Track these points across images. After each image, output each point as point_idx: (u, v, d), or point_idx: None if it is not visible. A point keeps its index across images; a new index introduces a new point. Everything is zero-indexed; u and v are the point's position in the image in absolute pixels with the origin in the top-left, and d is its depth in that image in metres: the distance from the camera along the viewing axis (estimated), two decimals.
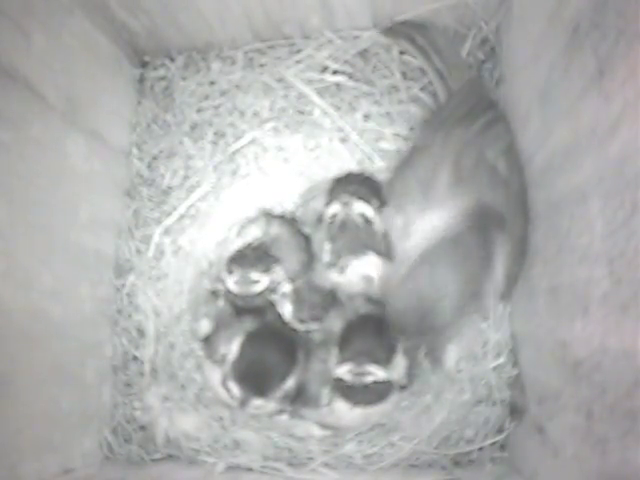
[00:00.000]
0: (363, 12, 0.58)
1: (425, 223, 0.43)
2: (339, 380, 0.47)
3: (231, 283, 0.53)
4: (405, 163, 0.50)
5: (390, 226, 0.47)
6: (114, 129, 0.61)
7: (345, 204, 0.50)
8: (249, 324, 0.52)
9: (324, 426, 0.53)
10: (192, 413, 0.57)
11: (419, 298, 0.40)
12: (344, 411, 0.48)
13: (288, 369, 0.49)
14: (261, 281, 0.52)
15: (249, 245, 0.56)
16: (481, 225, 0.41)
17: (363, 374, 0.45)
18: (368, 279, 0.50)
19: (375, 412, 0.49)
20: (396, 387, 0.48)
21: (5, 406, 0.43)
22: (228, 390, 0.49)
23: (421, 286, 0.40)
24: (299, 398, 0.51)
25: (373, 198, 0.50)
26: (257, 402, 0.48)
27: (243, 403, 0.48)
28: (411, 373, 0.50)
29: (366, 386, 0.46)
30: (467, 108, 0.50)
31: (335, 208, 0.50)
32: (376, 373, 0.45)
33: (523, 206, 0.47)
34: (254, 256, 0.54)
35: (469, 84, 0.54)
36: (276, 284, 0.53)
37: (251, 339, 0.49)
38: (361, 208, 0.50)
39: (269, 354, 0.49)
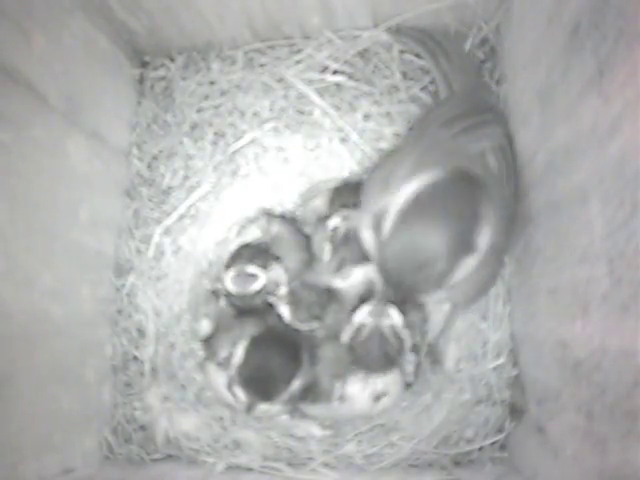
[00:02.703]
0: (363, 12, 0.58)
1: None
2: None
3: (229, 282, 0.53)
4: (375, 165, 0.50)
5: (360, 226, 0.48)
6: (114, 129, 0.61)
7: (345, 218, 0.52)
8: (252, 328, 0.52)
9: (333, 422, 0.54)
10: (192, 413, 0.57)
11: (410, 251, 0.39)
12: (356, 397, 0.48)
13: (293, 372, 0.49)
14: (259, 277, 0.52)
15: (248, 244, 0.56)
16: (462, 186, 0.41)
17: None
18: (370, 283, 0.52)
19: (383, 391, 0.50)
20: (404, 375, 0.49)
21: (5, 406, 0.43)
22: (234, 395, 0.49)
23: (411, 240, 0.39)
24: (308, 396, 0.51)
25: None
26: (263, 407, 0.48)
27: (249, 408, 0.48)
28: (417, 371, 0.51)
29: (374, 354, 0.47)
30: (458, 111, 0.49)
31: (336, 222, 0.52)
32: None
33: (514, 196, 0.48)
34: (252, 252, 0.54)
35: (469, 88, 0.53)
36: (275, 284, 0.53)
37: (255, 344, 0.49)
38: None
39: (274, 358, 0.49)
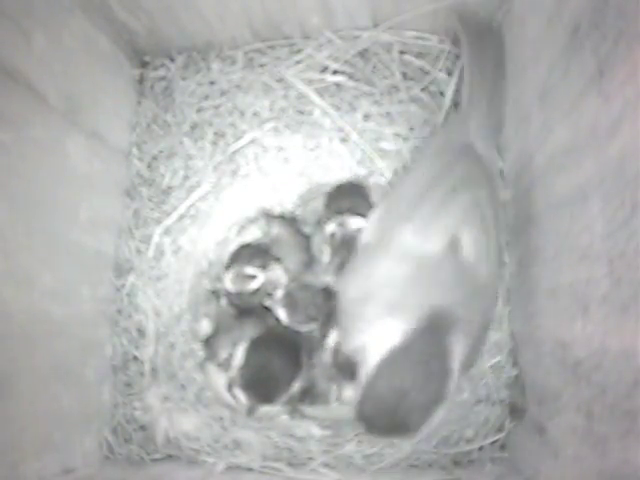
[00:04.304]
0: (363, 12, 0.58)
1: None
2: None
3: (228, 281, 0.53)
4: (353, 263, 0.49)
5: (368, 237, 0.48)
6: (114, 129, 0.61)
7: (341, 224, 0.53)
8: (251, 329, 0.52)
9: (333, 423, 0.54)
10: (192, 413, 0.57)
11: (387, 399, 0.40)
12: (353, 399, 0.49)
13: (293, 373, 0.49)
14: (257, 277, 0.52)
15: (248, 244, 0.56)
16: (435, 333, 0.41)
17: None
18: None
19: None
20: None
21: (6, 406, 0.43)
22: (234, 397, 0.49)
23: (384, 393, 0.40)
24: (307, 397, 0.51)
25: (366, 209, 0.52)
26: (264, 409, 0.49)
27: (250, 411, 0.48)
28: None
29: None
30: (429, 183, 0.48)
31: (332, 227, 0.53)
32: None
33: (488, 298, 0.46)
34: (251, 253, 0.54)
35: (485, 104, 0.52)
36: (274, 285, 0.53)
37: (255, 346, 0.49)
38: (356, 224, 0.52)
39: (274, 360, 0.49)
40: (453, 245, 0.44)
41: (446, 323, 0.41)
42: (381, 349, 0.41)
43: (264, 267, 0.53)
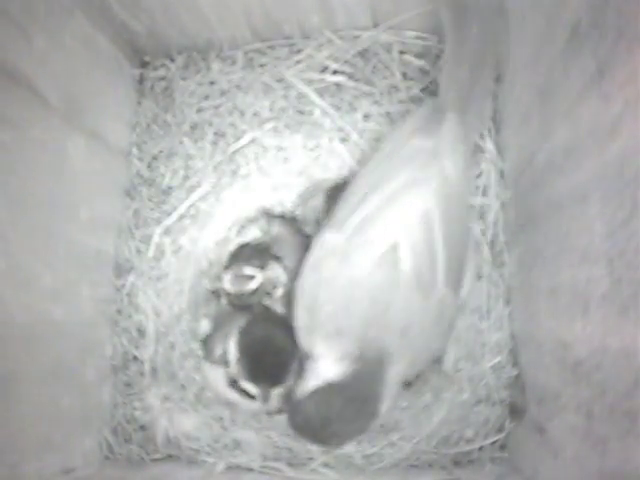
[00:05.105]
0: (363, 12, 0.58)
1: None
2: None
3: (226, 282, 0.53)
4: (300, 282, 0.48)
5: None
6: (114, 129, 0.61)
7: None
8: (239, 320, 0.51)
9: None
10: (192, 413, 0.57)
11: (312, 420, 0.42)
12: None
13: (292, 346, 0.47)
14: (256, 277, 0.52)
15: (247, 244, 0.56)
16: (369, 368, 0.42)
17: None
18: None
19: None
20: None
21: (6, 406, 0.43)
22: (243, 392, 0.48)
23: (311, 415, 0.42)
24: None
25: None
26: (277, 390, 0.48)
27: (265, 398, 0.47)
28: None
29: None
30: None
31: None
32: None
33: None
34: (250, 253, 0.54)
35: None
36: (273, 284, 0.53)
37: (245, 333, 0.49)
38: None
39: (270, 340, 0.48)
40: (390, 255, 0.42)
41: (383, 359, 0.42)
42: (319, 375, 0.42)
43: (263, 267, 0.53)
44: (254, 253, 0.54)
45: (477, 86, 0.47)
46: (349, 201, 0.46)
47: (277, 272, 0.54)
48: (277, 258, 0.54)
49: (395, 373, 0.43)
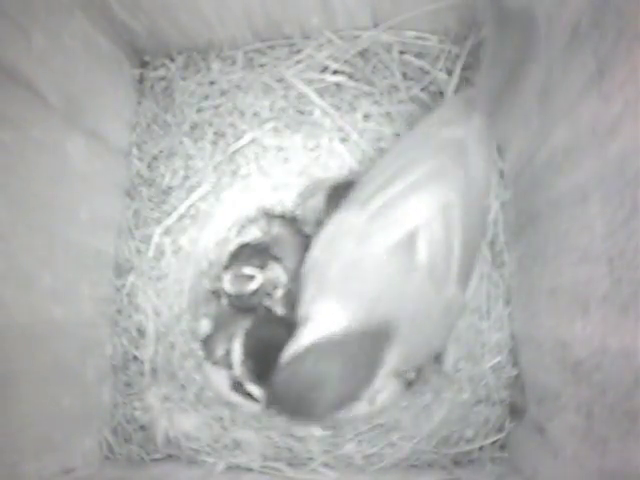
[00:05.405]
0: (363, 12, 0.58)
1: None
2: None
3: (226, 282, 0.53)
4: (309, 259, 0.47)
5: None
6: (114, 129, 0.61)
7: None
8: (244, 322, 0.51)
9: (335, 421, 0.54)
10: (192, 413, 0.57)
11: (301, 383, 0.40)
12: None
13: None
14: (255, 278, 0.52)
15: (247, 244, 0.56)
16: (374, 342, 0.41)
17: None
18: None
19: (377, 389, 0.49)
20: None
21: (6, 406, 0.43)
22: (248, 394, 0.48)
23: (304, 373, 0.40)
24: None
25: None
26: None
27: (269, 401, 0.47)
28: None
29: None
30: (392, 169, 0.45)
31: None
32: None
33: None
34: (250, 253, 0.54)
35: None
36: (273, 285, 0.53)
37: (252, 335, 0.49)
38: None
39: (276, 342, 0.48)
40: (407, 242, 0.42)
41: (387, 336, 0.41)
42: (317, 332, 0.40)
43: (262, 267, 0.53)
44: (254, 253, 0.54)
45: (510, 89, 0.46)
46: (374, 180, 0.45)
47: (277, 272, 0.54)
48: (277, 258, 0.54)
49: (394, 355, 0.42)
